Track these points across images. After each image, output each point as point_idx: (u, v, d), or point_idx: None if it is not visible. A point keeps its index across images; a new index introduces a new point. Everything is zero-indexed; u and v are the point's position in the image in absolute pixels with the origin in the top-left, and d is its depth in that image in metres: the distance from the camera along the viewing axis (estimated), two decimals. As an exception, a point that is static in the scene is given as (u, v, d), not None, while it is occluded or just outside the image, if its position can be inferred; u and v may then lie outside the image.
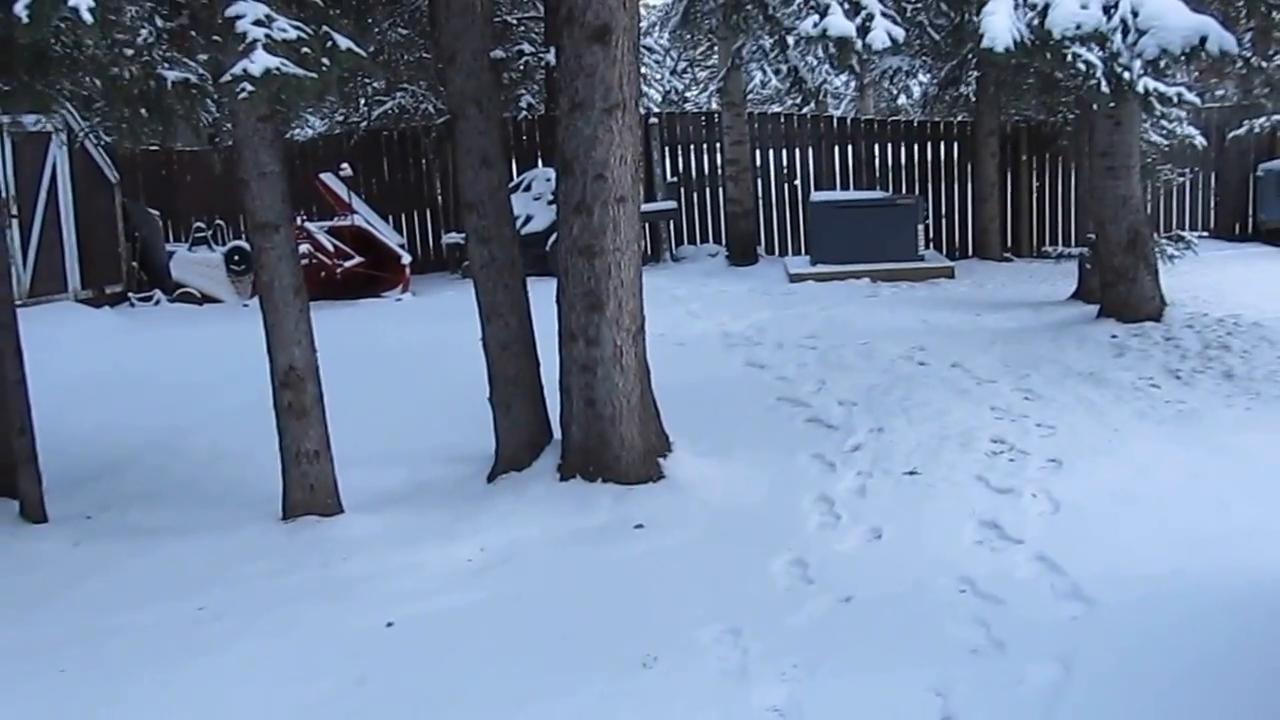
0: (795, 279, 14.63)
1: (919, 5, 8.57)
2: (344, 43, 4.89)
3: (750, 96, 18.21)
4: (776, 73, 17.83)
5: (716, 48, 18.38)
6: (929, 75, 19.25)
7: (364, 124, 18.54)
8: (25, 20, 3.61)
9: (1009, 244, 17.53)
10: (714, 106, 19.56)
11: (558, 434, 6.88)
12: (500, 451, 6.93)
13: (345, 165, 15.75)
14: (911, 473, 6.62)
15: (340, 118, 18.57)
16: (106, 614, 5.22)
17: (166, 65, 4.81)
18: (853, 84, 26.67)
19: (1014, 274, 15.37)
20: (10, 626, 5.16)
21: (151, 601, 5.33)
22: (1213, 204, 18.10)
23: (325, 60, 4.66)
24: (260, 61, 4.43)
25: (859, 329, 10.97)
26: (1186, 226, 17.07)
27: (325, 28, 4.80)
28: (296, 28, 4.61)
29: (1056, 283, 13.36)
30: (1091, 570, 5.01)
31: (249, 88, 4.46)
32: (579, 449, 6.59)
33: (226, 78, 4.54)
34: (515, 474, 6.77)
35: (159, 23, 4.93)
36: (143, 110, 4.88)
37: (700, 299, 13.19)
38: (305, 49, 4.54)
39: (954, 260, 16.04)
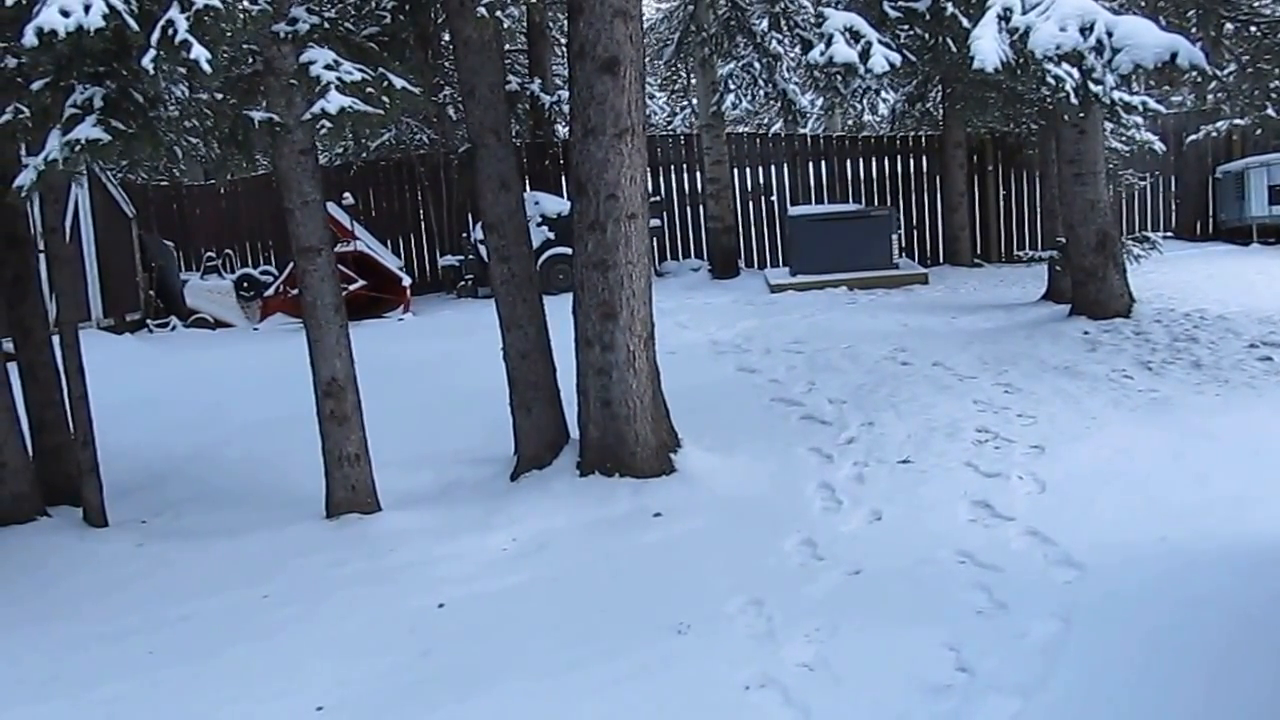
0: (776, 289, 15.10)
1: (901, 29, 8.94)
2: (399, 83, 5.39)
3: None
4: (767, 96, 18.27)
5: (694, 75, 18.82)
6: (895, 92, 19.78)
7: (363, 154, 19.07)
8: (150, 71, 4.05)
9: (978, 250, 18.13)
10: (683, 129, 19.98)
11: (575, 434, 7.27)
12: (522, 451, 7.32)
13: (347, 194, 16.31)
14: (904, 461, 7.01)
15: (340, 149, 19.04)
16: (179, 603, 5.62)
17: (250, 107, 5.27)
18: (819, 102, 27.08)
19: (985, 278, 15.88)
20: (96, 618, 5.55)
21: (219, 591, 5.72)
22: (1174, 206, 18.70)
23: (385, 98, 5.17)
24: (335, 101, 4.93)
25: (842, 333, 11.33)
26: (1149, 228, 17.68)
27: (381, 69, 5.30)
28: (360, 70, 5.12)
29: (1026, 285, 13.88)
30: (1080, 541, 5.40)
31: (327, 124, 4.97)
32: (597, 446, 6.98)
33: (307, 116, 5.06)
34: (537, 471, 7.15)
35: (240, 69, 5.38)
36: (233, 148, 5.34)
37: (687, 310, 13.54)
38: (369, 89, 5.06)
39: (927, 267, 16.60)
